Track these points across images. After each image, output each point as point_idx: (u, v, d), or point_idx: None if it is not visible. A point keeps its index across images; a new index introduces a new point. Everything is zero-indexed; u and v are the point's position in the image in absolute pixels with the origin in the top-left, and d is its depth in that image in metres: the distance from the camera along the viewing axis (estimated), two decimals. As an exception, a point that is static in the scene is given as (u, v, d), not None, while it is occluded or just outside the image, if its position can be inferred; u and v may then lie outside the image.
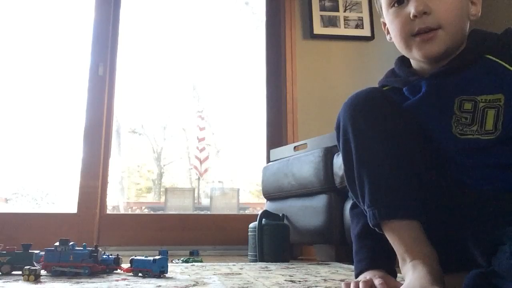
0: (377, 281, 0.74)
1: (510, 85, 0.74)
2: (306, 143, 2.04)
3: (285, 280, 1.03)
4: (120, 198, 3.03)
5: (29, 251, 1.12)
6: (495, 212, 0.71)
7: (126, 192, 3.16)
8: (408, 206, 0.73)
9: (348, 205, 1.71)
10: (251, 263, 1.64)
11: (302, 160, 1.93)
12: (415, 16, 0.77)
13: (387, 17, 0.85)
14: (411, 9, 0.78)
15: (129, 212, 3.02)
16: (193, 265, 1.52)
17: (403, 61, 0.89)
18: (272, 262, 1.70)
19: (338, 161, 1.74)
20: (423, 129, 0.80)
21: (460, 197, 0.76)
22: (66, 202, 2.64)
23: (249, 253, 1.87)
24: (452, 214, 0.76)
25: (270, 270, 1.31)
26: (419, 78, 0.82)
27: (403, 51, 0.84)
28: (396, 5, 0.82)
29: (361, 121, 0.78)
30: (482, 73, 0.76)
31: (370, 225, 0.76)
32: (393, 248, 0.76)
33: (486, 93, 0.74)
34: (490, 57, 0.77)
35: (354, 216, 0.89)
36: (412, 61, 0.87)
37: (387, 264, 0.82)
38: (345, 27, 2.72)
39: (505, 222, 0.68)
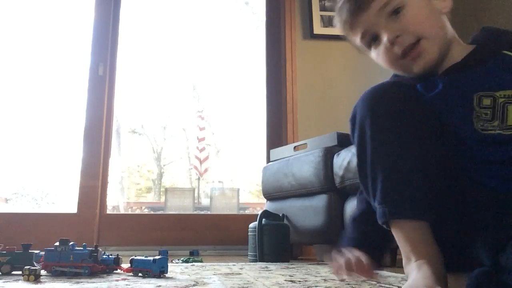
0: (364, 258, 0.77)
1: None
2: (306, 143, 2.04)
3: (285, 280, 1.03)
4: (120, 198, 3.03)
5: (29, 251, 1.12)
6: (507, 212, 0.70)
7: (126, 192, 3.16)
8: (419, 206, 0.72)
9: (348, 205, 1.71)
10: (251, 263, 1.64)
11: (302, 160, 1.93)
12: (392, 44, 0.80)
13: (372, 56, 0.88)
14: (385, 41, 0.80)
15: (129, 212, 3.02)
16: (193, 265, 1.52)
17: None
18: (272, 262, 1.70)
19: (338, 161, 1.74)
20: (443, 126, 0.78)
21: (473, 197, 0.74)
22: (66, 202, 2.64)
23: (249, 253, 1.87)
24: (462, 213, 0.75)
25: (270, 270, 1.31)
26: (432, 74, 0.82)
27: (405, 74, 0.84)
28: (372, 43, 0.84)
29: (380, 117, 0.77)
30: (499, 69, 0.75)
31: (379, 222, 0.76)
32: (383, 242, 0.76)
33: (505, 88, 0.73)
34: (507, 53, 0.76)
35: (359, 200, 0.90)
36: None
37: (374, 252, 0.83)
38: (345, 27, 2.72)
39: None
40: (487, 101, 0.74)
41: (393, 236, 0.76)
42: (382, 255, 0.86)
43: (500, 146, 0.73)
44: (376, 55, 0.85)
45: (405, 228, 0.73)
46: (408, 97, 0.79)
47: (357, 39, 0.88)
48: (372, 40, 0.84)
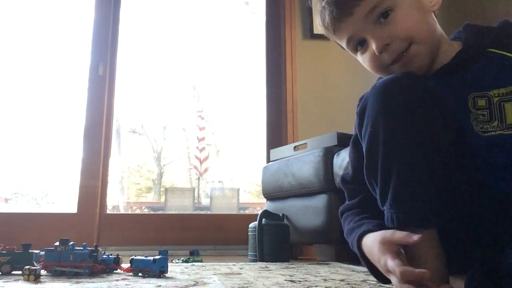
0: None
1: None
2: (306, 143, 2.04)
3: (285, 280, 1.03)
4: (120, 198, 3.03)
5: (29, 251, 1.12)
6: (509, 215, 0.68)
7: (126, 192, 3.16)
8: (430, 215, 0.69)
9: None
10: (251, 263, 1.64)
11: (302, 160, 1.93)
12: (380, 53, 0.76)
13: (358, 59, 0.83)
14: (373, 48, 0.76)
15: (129, 212, 3.02)
16: (193, 265, 1.52)
17: None
18: (272, 262, 1.70)
19: (338, 161, 1.74)
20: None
21: (481, 199, 0.72)
22: (66, 202, 2.65)
23: (249, 253, 1.87)
24: (467, 215, 0.73)
25: (270, 270, 1.31)
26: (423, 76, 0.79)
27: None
28: (359, 48, 0.80)
29: (396, 114, 0.71)
30: (489, 68, 0.73)
31: (386, 225, 0.72)
32: None
33: (497, 87, 0.71)
34: (494, 50, 0.74)
35: (348, 218, 0.87)
36: None
37: None
38: (345, 27, 2.72)
39: None
40: (482, 102, 0.72)
41: None
42: None
43: (503, 148, 0.70)
44: (362, 59, 0.81)
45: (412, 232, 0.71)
46: (423, 92, 0.73)
47: (342, 43, 0.83)
48: (358, 44, 0.79)
